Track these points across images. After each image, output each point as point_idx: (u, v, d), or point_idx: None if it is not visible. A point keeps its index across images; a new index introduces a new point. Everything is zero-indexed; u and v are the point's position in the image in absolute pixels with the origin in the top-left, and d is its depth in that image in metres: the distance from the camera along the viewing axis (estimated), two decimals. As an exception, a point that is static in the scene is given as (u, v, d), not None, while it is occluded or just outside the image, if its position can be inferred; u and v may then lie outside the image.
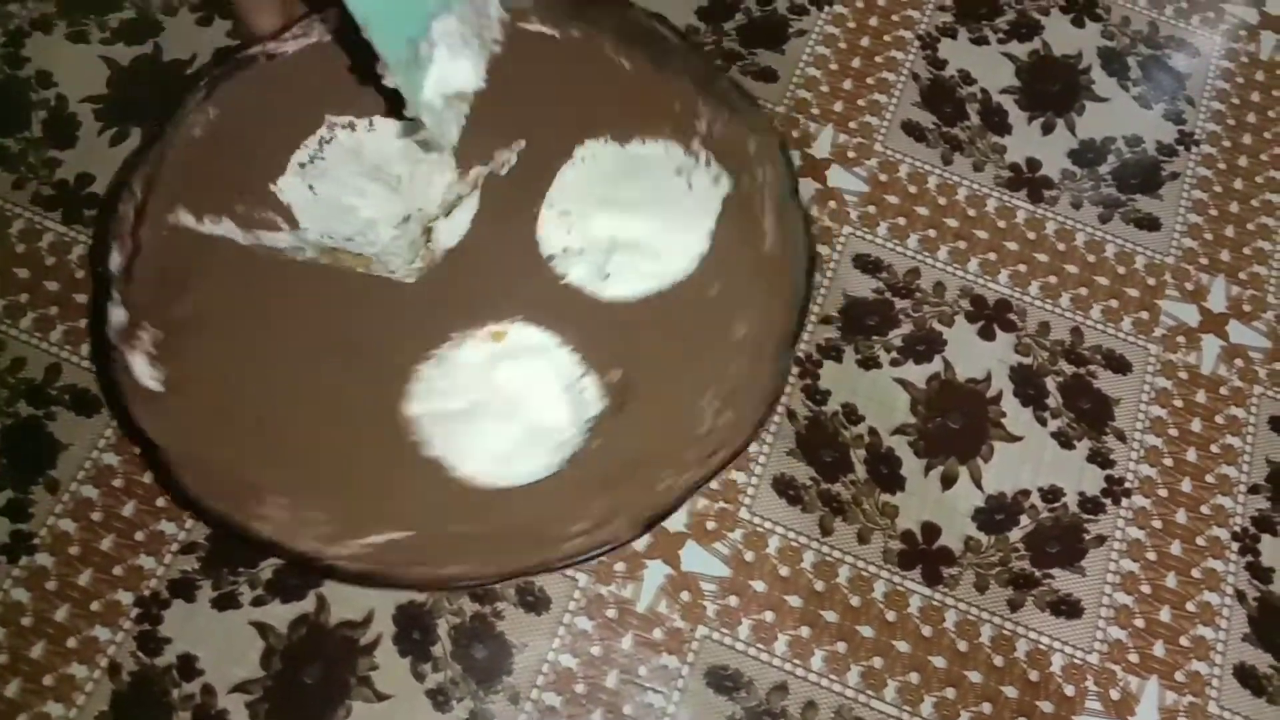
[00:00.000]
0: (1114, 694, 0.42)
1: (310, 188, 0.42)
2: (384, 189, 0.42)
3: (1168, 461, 0.47)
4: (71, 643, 0.40)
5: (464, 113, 0.39)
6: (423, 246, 0.41)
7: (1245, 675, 0.43)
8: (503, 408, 0.39)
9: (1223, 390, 0.49)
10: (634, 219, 0.42)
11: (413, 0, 0.30)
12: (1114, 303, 0.50)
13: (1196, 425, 0.48)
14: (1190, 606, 0.44)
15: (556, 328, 0.40)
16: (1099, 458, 0.47)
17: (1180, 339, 0.50)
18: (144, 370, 0.37)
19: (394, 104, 0.37)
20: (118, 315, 0.37)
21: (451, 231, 0.42)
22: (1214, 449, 0.47)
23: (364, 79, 0.40)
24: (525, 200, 0.42)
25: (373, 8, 0.30)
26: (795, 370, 0.47)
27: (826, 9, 0.56)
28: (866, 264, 0.50)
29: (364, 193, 0.42)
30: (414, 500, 0.37)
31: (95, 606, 0.41)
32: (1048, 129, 0.54)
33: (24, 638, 0.40)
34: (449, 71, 0.32)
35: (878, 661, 0.42)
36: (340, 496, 0.36)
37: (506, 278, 0.41)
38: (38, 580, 0.41)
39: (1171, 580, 0.45)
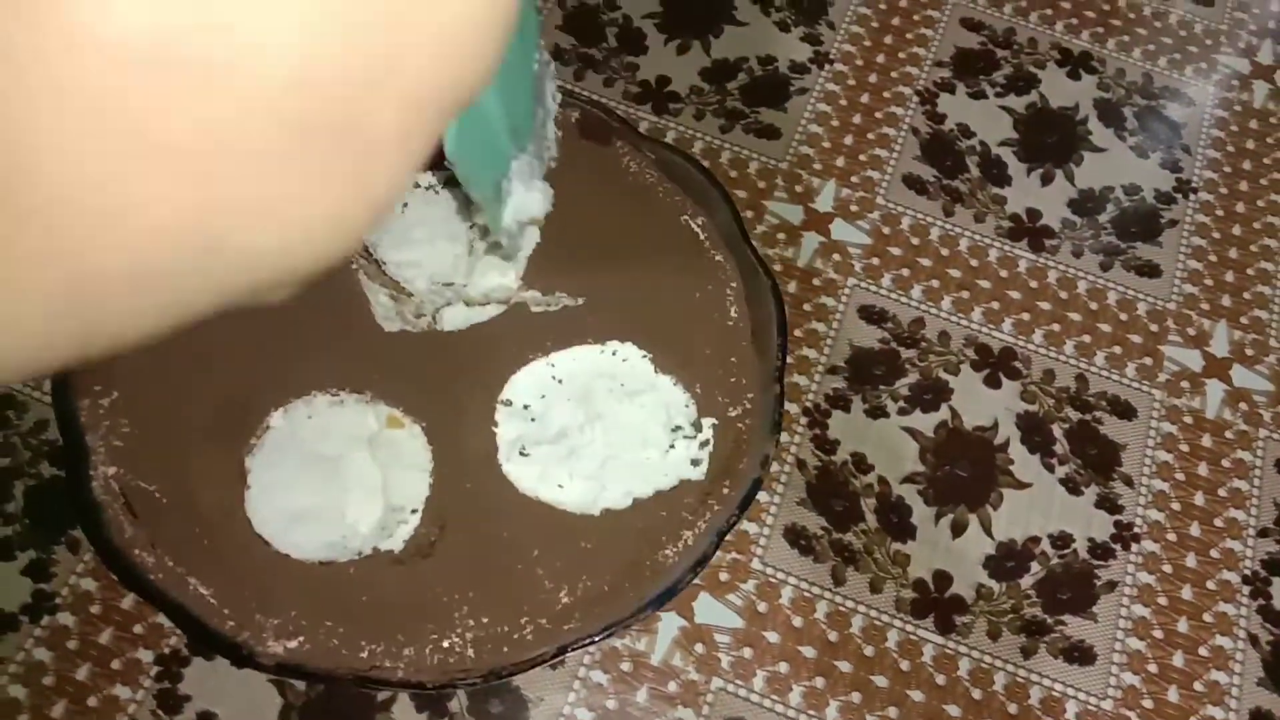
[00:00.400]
0: (1130, 741, 0.43)
1: (404, 204, 0.43)
2: (452, 249, 0.42)
3: (1175, 506, 0.47)
4: (92, 701, 0.41)
5: (535, 234, 0.41)
6: (429, 315, 0.42)
7: (1261, 720, 0.43)
8: (331, 477, 0.38)
9: (1228, 434, 0.49)
10: (595, 432, 0.40)
11: (497, 148, 0.33)
12: (1117, 349, 0.51)
13: (1203, 469, 0.48)
14: (1203, 651, 0.44)
15: (440, 454, 0.39)
16: (1107, 503, 0.47)
17: (1184, 384, 0.50)
18: None
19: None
20: None
21: (455, 320, 0.41)
22: (1221, 493, 0.48)
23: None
24: (533, 343, 0.41)
25: (471, 166, 0.33)
26: (804, 420, 0.48)
27: (827, 67, 0.57)
28: (871, 315, 0.51)
29: (433, 239, 0.42)
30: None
31: (116, 665, 0.41)
32: (1047, 180, 0.55)
33: (46, 697, 0.41)
34: (524, 201, 0.35)
35: (893, 711, 0.42)
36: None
37: (452, 387, 0.40)
38: (59, 639, 0.42)
39: (1183, 625, 0.45)
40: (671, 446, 0.40)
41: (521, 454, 0.39)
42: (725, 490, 0.39)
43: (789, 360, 0.49)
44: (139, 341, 0.14)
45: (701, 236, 0.44)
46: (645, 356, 0.41)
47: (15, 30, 0.11)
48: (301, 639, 0.35)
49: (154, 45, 0.11)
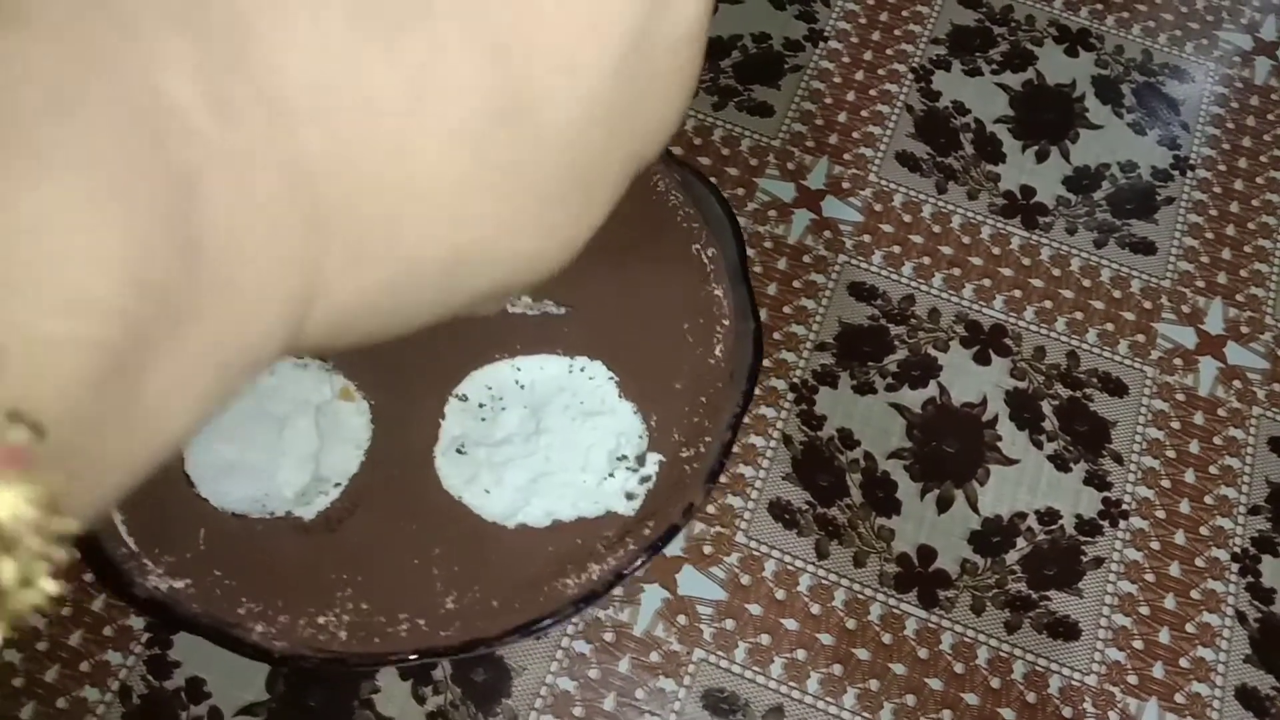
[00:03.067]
0: (1113, 716, 0.42)
1: None
2: None
3: (1165, 483, 0.47)
4: (84, 667, 0.41)
5: None
6: None
7: (1247, 697, 0.43)
8: (272, 436, 0.38)
9: (1221, 412, 0.49)
10: (538, 445, 0.39)
11: None
12: (1110, 326, 0.51)
13: (1194, 447, 0.48)
14: (1190, 628, 0.44)
15: (380, 434, 0.39)
16: (1096, 480, 0.47)
17: (1177, 361, 0.50)
18: None
19: None
20: None
21: None
22: (1213, 470, 0.48)
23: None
24: (504, 343, 0.41)
25: None
26: (791, 396, 0.48)
27: (822, 44, 0.57)
28: (861, 292, 0.50)
29: None
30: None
31: (108, 631, 0.42)
32: (1042, 157, 0.55)
33: (39, 662, 0.41)
34: None
35: (874, 684, 0.43)
36: None
37: (411, 371, 0.40)
38: (54, 606, 0.42)
39: (1170, 602, 0.45)
40: (610, 475, 0.39)
41: (459, 451, 0.39)
42: (646, 531, 0.37)
43: (777, 336, 0.49)
44: (406, 332, 0.18)
45: (709, 268, 0.42)
46: (612, 379, 0.41)
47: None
48: (189, 581, 0.36)
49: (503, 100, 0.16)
